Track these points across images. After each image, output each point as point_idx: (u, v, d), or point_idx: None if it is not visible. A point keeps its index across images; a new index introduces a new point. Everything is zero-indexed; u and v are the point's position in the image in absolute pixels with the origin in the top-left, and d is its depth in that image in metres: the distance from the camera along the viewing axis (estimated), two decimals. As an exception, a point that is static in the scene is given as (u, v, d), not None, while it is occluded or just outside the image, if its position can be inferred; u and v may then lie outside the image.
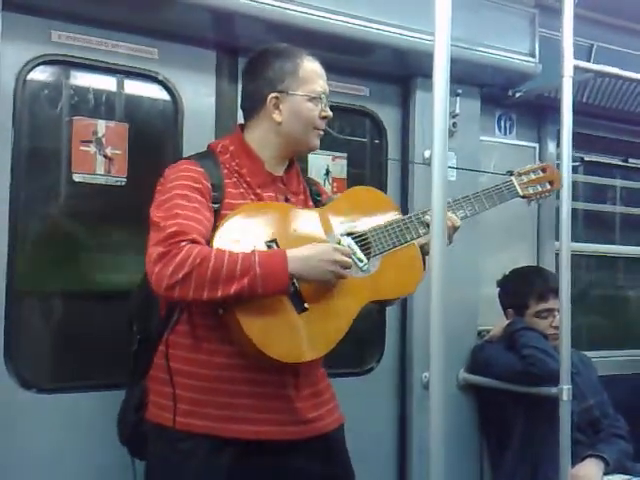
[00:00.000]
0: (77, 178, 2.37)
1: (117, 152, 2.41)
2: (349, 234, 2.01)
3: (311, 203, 2.14)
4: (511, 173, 2.33)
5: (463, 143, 2.98)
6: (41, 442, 2.26)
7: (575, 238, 3.59)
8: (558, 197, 2.48)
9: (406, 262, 2.06)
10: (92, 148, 2.38)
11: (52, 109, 2.39)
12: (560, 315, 2.47)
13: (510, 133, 3.32)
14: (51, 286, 2.47)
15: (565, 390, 2.41)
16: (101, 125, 2.40)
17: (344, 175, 2.92)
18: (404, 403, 2.93)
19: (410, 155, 2.96)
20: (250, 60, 2.11)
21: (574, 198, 3.70)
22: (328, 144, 2.86)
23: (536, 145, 3.38)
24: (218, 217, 1.90)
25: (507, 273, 3.06)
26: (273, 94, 2.00)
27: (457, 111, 2.93)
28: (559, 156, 2.52)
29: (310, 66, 2.04)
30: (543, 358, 2.69)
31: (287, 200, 2.04)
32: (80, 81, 2.44)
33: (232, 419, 1.89)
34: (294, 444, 1.95)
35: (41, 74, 2.36)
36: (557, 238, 2.58)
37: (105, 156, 2.39)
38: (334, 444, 2.06)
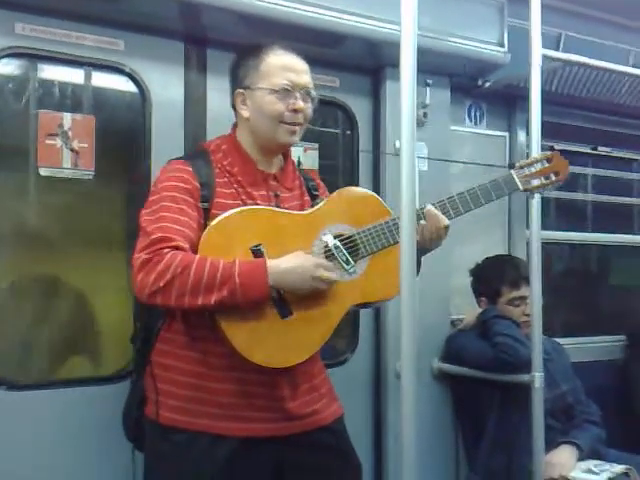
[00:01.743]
0: (43, 172, 2.34)
1: (84, 145, 2.38)
2: (336, 236, 2.00)
3: (307, 198, 2.13)
4: (512, 166, 2.25)
5: (434, 133, 2.99)
6: (13, 439, 2.25)
7: (548, 227, 3.67)
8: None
9: (393, 264, 2.02)
10: (58, 141, 2.34)
11: (17, 102, 2.35)
12: (531, 302, 2.49)
13: (480, 123, 3.33)
14: (17, 281, 2.43)
15: (537, 377, 2.44)
16: (67, 118, 2.37)
17: (316, 166, 2.90)
18: (379, 393, 2.94)
19: (381, 146, 2.96)
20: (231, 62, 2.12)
21: (545, 187, 3.77)
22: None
23: (506, 134, 3.40)
24: (208, 216, 1.91)
25: (480, 262, 3.07)
26: (239, 90, 2.02)
27: (427, 101, 2.93)
28: (529, 145, 2.53)
29: (275, 60, 2.01)
30: (514, 345, 2.71)
31: (277, 197, 2.03)
32: (45, 74, 2.40)
33: (224, 417, 1.91)
34: (292, 438, 1.97)
35: (5, 67, 2.32)
36: (528, 226, 2.59)
37: (72, 149, 2.36)
38: (333, 436, 2.08)
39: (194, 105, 2.58)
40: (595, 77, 3.23)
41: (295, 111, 2.00)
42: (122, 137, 2.61)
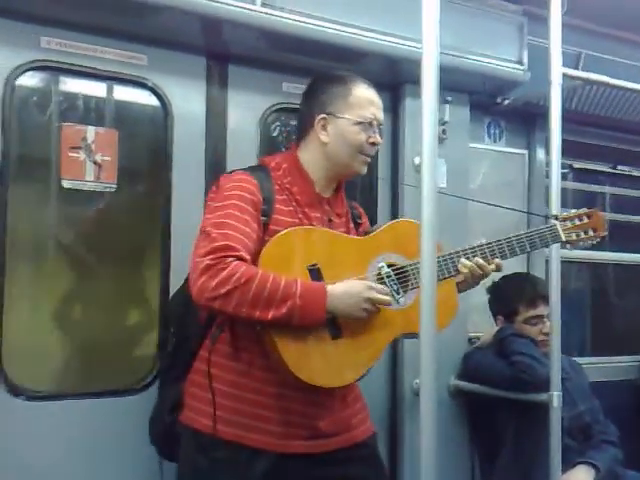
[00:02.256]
0: (66, 184, 2.36)
1: (106, 158, 2.40)
2: (389, 265, 2.04)
3: (352, 226, 2.19)
4: (556, 217, 2.28)
5: (452, 150, 2.99)
6: (31, 450, 2.25)
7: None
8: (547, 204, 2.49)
9: (440, 298, 2.04)
10: (81, 154, 2.37)
11: (41, 115, 2.38)
12: (550, 321, 2.48)
13: (499, 140, 3.34)
14: (41, 293, 2.45)
15: (555, 396, 2.41)
16: (90, 131, 2.39)
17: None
18: (395, 410, 2.93)
19: (400, 162, 2.96)
20: (308, 84, 2.19)
21: (564, 205, 3.76)
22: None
23: (525, 152, 3.39)
24: (266, 231, 1.95)
25: (497, 280, 3.06)
26: (321, 115, 2.07)
27: (446, 118, 2.94)
28: (548, 163, 2.53)
29: (361, 92, 2.09)
30: (532, 364, 2.69)
31: (330, 221, 2.09)
32: (69, 87, 2.43)
33: (261, 430, 1.94)
34: (329, 454, 2.00)
35: (30, 80, 2.35)
36: (547, 245, 2.58)
37: (95, 162, 2.38)
38: (367, 451, 2.11)
39: (215, 119, 2.60)
40: (615, 96, 3.23)
41: (373, 144, 2.09)
42: (144, 151, 2.63)
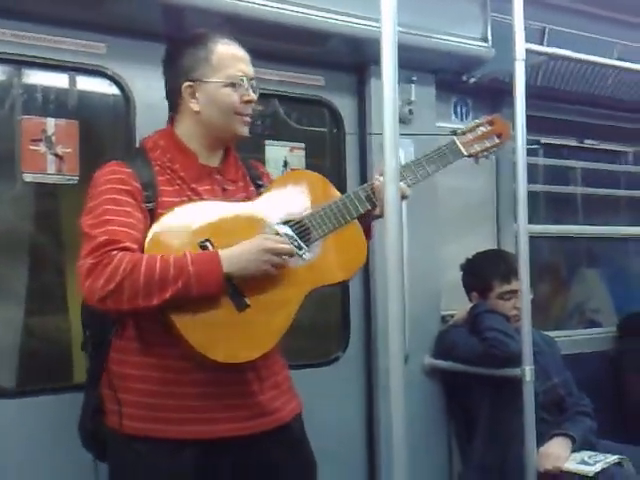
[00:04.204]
0: (28, 178, 2.33)
1: (68, 150, 2.37)
2: (286, 222, 1.95)
3: (252, 189, 2.08)
4: (454, 132, 2.22)
5: (420, 130, 2.99)
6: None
7: (539, 220, 3.68)
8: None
9: (348, 244, 2.01)
10: (42, 147, 2.33)
11: (0, 108, 2.34)
12: (520, 296, 2.50)
13: (466, 118, 3.34)
14: (7, 289, 2.42)
15: (527, 370, 2.44)
16: (50, 123, 2.36)
17: (302, 166, 2.90)
18: (371, 390, 2.95)
19: (367, 144, 2.96)
20: (166, 50, 2.06)
21: (535, 180, 3.79)
22: (285, 135, 2.86)
23: (493, 129, 3.39)
24: (154, 216, 1.85)
25: (471, 257, 3.08)
26: (187, 83, 1.95)
27: (412, 98, 2.94)
28: (514, 139, 2.54)
29: (225, 50, 1.96)
30: (504, 340, 2.72)
31: (224, 190, 1.98)
32: (28, 79, 2.40)
33: (187, 420, 1.85)
34: (255, 437, 1.93)
35: (-13, 73, 2.32)
36: (516, 220, 2.60)
37: (56, 155, 2.35)
38: (294, 433, 2.04)
39: (178, 107, 2.57)
40: (579, 70, 3.25)
41: (248, 102, 1.97)
42: (106, 141, 2.60)
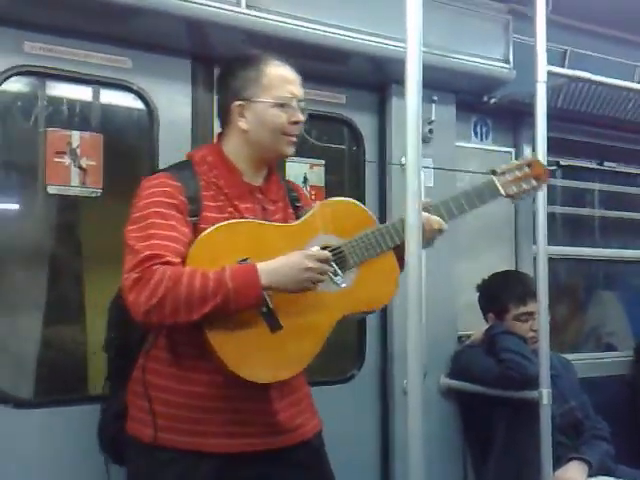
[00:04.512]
0: (52, 190, 2.35)
1: (92, 163, 2.39)
2: (324, 248, 1.95)
3: (290, 210, 2.11)
4: (494, 172, 2.21)
5: (439, 149, 3.00)
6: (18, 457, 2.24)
7: (556, 242, 3.66)
8: (534, 201, 2.50)
9: (381, 273, 2.02)
10: (67, 159, 2.36)
11: (26, 121, 2.38)
12: (538, 318, 2.49)
13: (486, 139, 3.34)
14: (26, 299, 2.44)
15: (545, 393, 2.42)
16: (75, 136, 2.38)
17: (322, 183, 2.92)
18: (386, 409, 2.93)
19: (387, 162, 2.96)
20: (220, 71, 2.12)
21: (553, 202, 3.78)
22: (306, 152, 2.88)
23: (512, 150, 3.40)
24: (197, 231, 1.87)
25: (487, 278, 3.07)
26: (237, 102, 1.99)
27: (433, 117, 2.95)
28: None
29: (275, 71, 2.00)
30: (521, 362, 2.70)
31: (264, 210, 2.01)
32: (54, 92, 2.43)
33: (209, 434, 1.87)
34: (276, 453, 1.94)
35: (14, 85, 2.34)
36: (535, 242, 2.59)
37: (80, 167, 2.37)
38: (313, 451, 2.05)
39: (201, 122, 2.59)
40: (600, 93, 3.24)
41: (295, 123, 2.00)
42: (130, 155, 2.63)
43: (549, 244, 2.51)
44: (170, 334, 1.89)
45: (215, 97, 2.56)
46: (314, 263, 1.85)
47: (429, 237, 2.02)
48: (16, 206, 2.47)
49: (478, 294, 3.07)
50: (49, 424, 2.30)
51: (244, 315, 1.82)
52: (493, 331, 2.90)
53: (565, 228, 4.04)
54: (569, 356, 3.31)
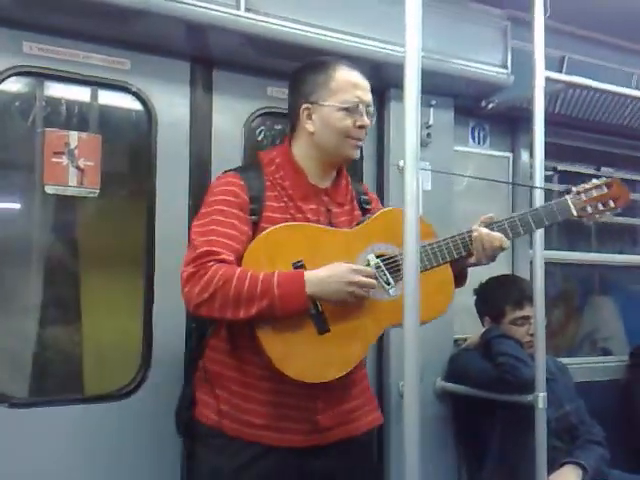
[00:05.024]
0: (49, 190, 2.35)
1: (90, 164, 2.40)
2: (379, 256, 2.00)
3: (357, 212, 2.15)
4: (569, 192, 2.15)
5: (437, 153, 3.00)
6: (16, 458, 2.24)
7: (552, 247, 3.67)
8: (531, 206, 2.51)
9: (435, 286, 2.01)
10: (64, 160, 2.36)
11: (24, 121, 2.38)
12: (534, 322, 2.49)
13: (484, 143, 3.35)
14: (22, 299, 2.44)
15: (540, 397, 2.43)
16: (73, 136, 2.39)
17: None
18: (382, 412, 2.91)
19: (385, 166, 2.97)
20: (290, 76, 2.17)
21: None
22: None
23: (510, 155, 3.41)
24: (257, 230, 1.94)
25: (483, 281, 3.07)
26: (305, 105, 2.05)
27: (431, 122, 2.95)
28: (532, 166, 2.55)
29: (343, 76, 2.05)
30: (517, 365, 2.70)
31: (329, 212, 2.06)
32: (52, 92, 2.43)
33: (261, 426, 1.95)
34: (322, 448, 2.00)
35: (13, 85, 2.35)
36: (531, 246, 2.60)
37: (78, 168, 2.38)
38: (359, 449, 2.10)
39: (199, 124, 2.60)
40: (598, 99, 3.25)
41: (361, 127, 2.04)
42: (127, 155, 2.63)
43: (545, 249, 2.52)
44: (230, 326, 1.96)
45: (213, 99, 2.64)
46: (358, 278, 1.90)
47: (489, 254, 2.05)
48: (14, 206, 2.47)
49: (475, 298, 3.08)
50: (44, 424, 2.29)
51: (294, 316, 1.88)
52: (489, 335, 2.90)
53: (561, 233, 4.04)
54: (565, 360, 3.31)
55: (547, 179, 3.56)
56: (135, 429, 2.40)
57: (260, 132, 2.82)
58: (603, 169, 3.93)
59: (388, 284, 1.97)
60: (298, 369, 1.90)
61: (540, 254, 2.47)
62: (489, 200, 3.09)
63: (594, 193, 2.15)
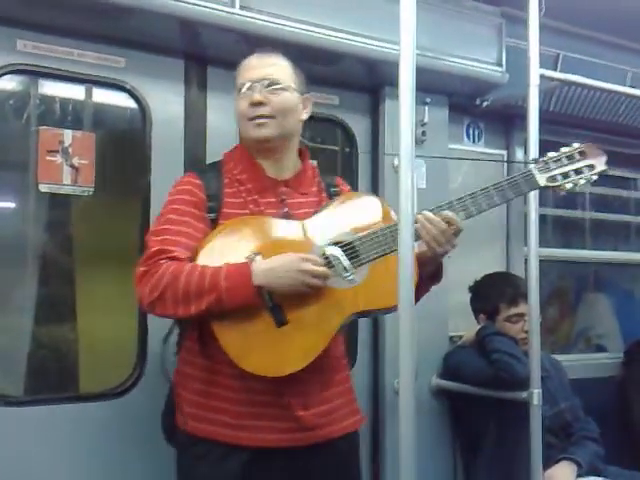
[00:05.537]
0: (43, 188, 2.35)
1: (84, 162, 2.39)
2: (336, 243, 1.93)
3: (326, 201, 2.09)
4: (535, 161, 2.01)
5: (432, 151, 2.99)
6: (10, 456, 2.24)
7: (547, 244, 3.68)
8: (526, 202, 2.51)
9: (396, 271, 1.99)
10: (59, 158, 2.35)
11: (18, 119, 2.38)
12: (529, 319, 2.50)
13: (478, 141, 3.35)
14: (17, 297, 2.44)
15: (535, 394, 2.43)
16: (68, 135, 2.38)
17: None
18: (377, 409, 2.94)
19: (380, 164, 2.97)
20: None
21: (545, 204, 3.79)
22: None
23: (504, 152, 3.41)
24: (215, 227, 1.93)
25: (478, 279, 3.08)
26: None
27: (425, 120, 2.96)
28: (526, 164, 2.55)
29: (241, 65, 2.04)
30: (511, 362, 2.71)
31: (284, 203, 1.99)
32: (46, 90, 2.43)
33: (234, 426, 1.90)
34: (303, 450, 1.94)
35: (6, 83, 2.35)
36: (526, 244, 2.60)
37: (72, 166, 2.37)
38: (340, 452, 2.03)
39: (194, 122, 2.59)
40: (592, 97, 3.26)
41: (253, 104, 1.96)
42: (122, 154, 2.63)
43: (540, 246, 2.53)
44: (199, 326, 1.93)
45: (208, 96, 2.64)
46: (308, 266, 1.85)
47: (440, 239, 1.93)
48: (7, 204, 2.47)
49: (470, 295, 3.08)
50: (39, 422, 2.29)
51: (250, 309, 1.84)
52: (484, 332, 2.91)
53: (556, 230, 4.05)
54: (559, 357, 3.32)
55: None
56: (130, 427, 2.39)
57: (254, 130, 2.80)
58: (597, 166, 3.93)
59: (346, 271, 1.90)
60: (257, 363, 1.86)
61: (535, 251, 2.47)
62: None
63: (564, 161, 2.00)
